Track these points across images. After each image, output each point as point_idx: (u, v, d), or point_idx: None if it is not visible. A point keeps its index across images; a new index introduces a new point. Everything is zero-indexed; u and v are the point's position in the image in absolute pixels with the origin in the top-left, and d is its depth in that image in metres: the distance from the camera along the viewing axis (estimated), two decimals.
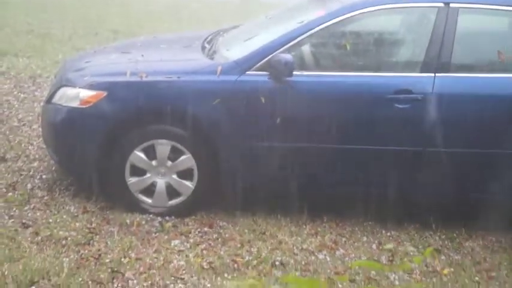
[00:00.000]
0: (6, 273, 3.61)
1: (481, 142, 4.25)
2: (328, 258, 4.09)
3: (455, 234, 4.51)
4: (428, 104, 4.20)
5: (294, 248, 4.18)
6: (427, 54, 4.29)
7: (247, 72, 4.28)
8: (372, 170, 4.40)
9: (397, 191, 4.42)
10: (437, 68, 4.26)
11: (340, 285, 3.76)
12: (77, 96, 4.39)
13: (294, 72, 4.22)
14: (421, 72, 4.30)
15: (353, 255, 4.16)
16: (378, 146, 4.31)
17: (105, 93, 4.31)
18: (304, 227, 4.47)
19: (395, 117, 4.23)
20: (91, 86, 4.38)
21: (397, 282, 3.85)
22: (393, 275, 3.94)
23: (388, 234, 4.47)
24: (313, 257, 4.09)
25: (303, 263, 4.01)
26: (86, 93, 4.36)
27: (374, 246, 4.30)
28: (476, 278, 4.00)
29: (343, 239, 4.36)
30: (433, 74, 4.25)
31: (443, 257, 4.22)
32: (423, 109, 4.21)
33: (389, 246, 4.25)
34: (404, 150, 4.31)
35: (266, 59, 4.27)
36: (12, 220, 4.28)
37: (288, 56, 4.20)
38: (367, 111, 4.27)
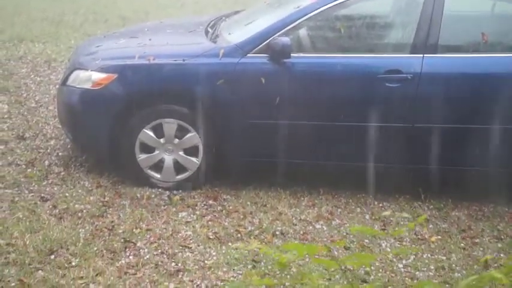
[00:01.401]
0: (28, 243, 3.66)
1: (467, 118, 4.26)
2: (325, 228, 4.12)
3: (442, 205, 4.54)
4: (417, 83, 4.20)
5: (293, 218, 4.21)
6: (416, 36, 4.28)
7: (248, 55, 4.28)
8: (365, 145, 4.40)
9: (388, 165, 4.44)
10: (426, 49, 4.25)
11: (336, 252, 3.80)
12: (89, 78, 4.40)
13: (292, 54, 4.23)
14: (411, 53, 4.30)
15: (348, 224, 4.19)
16: (370, 123, 4.31)
17: (115, 76, 4.32)
18: (302, 199, 4.51)
19: (386, 95, 4.24)
20: (102, 69, 4.39)
21: (388, 249, 3.89)
22: (385, 243, 3.98)
23: (380, 205, 4.50)
24: (310, 227, 4.13)
25: (302, 232, 4.05)
26: (97, 76, 4.37)
27: (367, 216, 4.33)
28: (462, 245, 4.04)
29: (339, 210, 4.40)
30: (421, 55, 4.24)
31: (431, 226, 4.26)
32: (412, 88, 4.21)
33: (387, 213, 4.28)
34: (395, 126, 4.32)
35: (265, 42, 4.27)
36: (32, 194, 4.33)
37: (285, 39, 4.20)
38: (359, 90, 4.27)
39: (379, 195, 4.59)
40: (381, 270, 3.67)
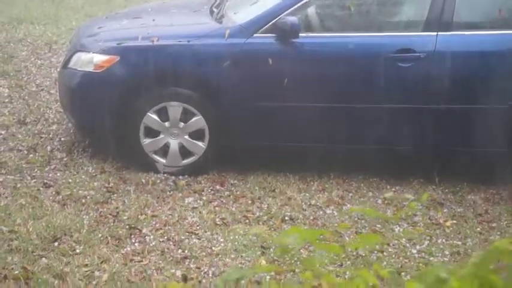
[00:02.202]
0: (31, 229, 3.71)
1: (483, 98, 4.24)
2: (336, 213, 4.14)
3: (457, 188, 4.53)
4: (430, 62, 4.19)
5: (303, 203, 4.23)
6: (429, 14, 4.25)
7: (255, 35, 4.28)
8: (376, 128, 4.41)
9: (400, 147, 4.45)
10: (439, 26, 4.23)
11: (347, 238, 3.82)
12: (91, 61, 4.42)
13: (300, 34, 4.22)
14: (424, 31, 4.28)
15: (359, 208, 4.20)
16: (382, 104, 4.31)
17: (117, 58, 4.34)
18: (312, 183, 4.52)
19: (398, 75, 4.23)
20: (104, 51, 4.40)
21: (402, 235, 3.90)
22: (398, 228, 3.99)
23: (393, 189, 4.50)
24: (321, 212, 4.14)
25: (311, 217, 4.07)
26: (99, 58, 4.39)
27: (379, 201, 4.34)
28: (478, 229, 4.04)
29: (350, 195, 4.41)
30: (435, 33, 4.22)
31: (445, 210, 4.26)
32: (425, 67, 4.20)
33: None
34: (407, 107, 4.31)
35: (272, 21, 4.26)
36: (35, 180, 4.37)
37: (293, 18, 4.19)
38: (370, 71, 4.27)
39: (391, 179, 4.60)
40: (393, 255, 3.69)
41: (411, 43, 4.22)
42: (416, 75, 4.23)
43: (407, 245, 3.82)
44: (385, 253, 3.70)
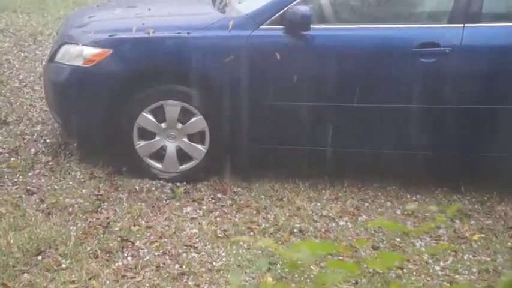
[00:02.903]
0: (11, 242, 3.69)
1: None
2: (350, 225, 4.12)
3: (486, 198, 4.51)
4: (456, 57, 4.17)
5: (313, 214, 4.21)
6: (455, 3, 4.23)
7: (261, 27, 4.26)
8: (396, 130, 4.39)
9: (423, 152, 4.42)
10: (467, 18, 4.20)
11: (363, 253, 3.80)
12: (80, 54, 4.41)
13: (312, 26, 4.20)
14: (449, 23, 4.26)
15: (377, 221, 4.18)
16: (402, 104, 4.29)
17: (110, 51, 4.33)
18: (323, 192, 4.50)
19: (421, 72, 4.20)
20: (95, 43, 4.39)
21: (424, 250, 3.88)
22: (419, 242, 3.97)
23: (414, 198, 4.48)
24: (333, 224, 4.13)
25: (323, 230, 4.05)
26: (89, 51, 4.38)
27: (399, 211, 4.32)
28: (509, 244, 4.01)
29: (366, 204, 4.39)
30: (461, 25, 4.20)
31: (472, 222, 4.23)
32: (451, 63, 4.18)
33: (412, 206, 4.27)
34: (431, 107, 4.29)
35: (281, 11, 4.25)
36: (16, 187, 4.36)
37: (304, 8, 4.17)
38: (389, 67, 4.25)
39: (412, 188, 4.57)
40: (414, 273, 3.67)
41: (435, 36, 4.20)
42: (441, 71, 4.21)
43: (430, 261, 3.79)
44: (405, 270, 3.68)
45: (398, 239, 3.98)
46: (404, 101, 4.30)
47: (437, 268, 3.74)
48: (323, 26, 4.31)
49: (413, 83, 4.26)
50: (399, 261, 3.64)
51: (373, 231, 4.05)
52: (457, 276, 3.68)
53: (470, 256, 3.87)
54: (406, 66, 4.23)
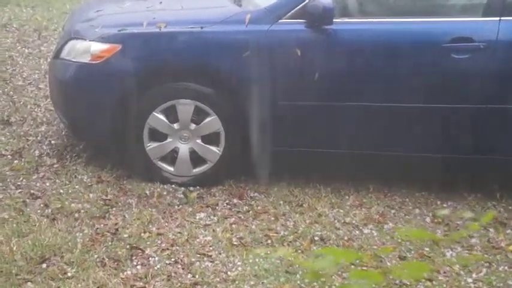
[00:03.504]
0: (14, 249, 3.75)
1: None
2: (375, 233, 4.13)
3: None
4: (491, 53, 4.16)
5: (336, 221, 4.23)
6: None
7: (280, 21, 4.29)
8: (425, 131, 4.39)
9: (453, 155, 4.42)
10: (504, 10, 4.20)
11: (389, 263, 3.81)
12: (87, 50, 4.46)
13: (334, 20, 4.22)
14: (484, 16, 4.26)
15: (403, 229, 4.18)
16: (432, 104, 4.30)
17: (119, 47, 4.37)
18: (347, 197, 4.52)
19: (453, 69, 4.21)
20: (103, 39, 4.44)
21: (455, 261, 3.88)
22: (450, 252, 3.97)
23: (444, 205, 4.48)
24: (357, 232, 4.14)
25: (346, 238, 4.06)
26: (97, 47, 4.43)
27: (428, 219, 4.33)
28: None
29: (392, 211, 4.40)
30: (498, 18, 4.20)
31: (509, 231, 4.22)
32: (486, 60, 4.17)
33: (444, 212, 4.26)
34: (463, 107, 4.29)
35: (302, 4, 4.27)
36: (20, 190, 4.42)
37: (327, 1, 4.18)
38: (418, 64, 4.24)
39: (442, 194, 4.58)
40: (444, 285, 3.67)
41: (468, 30, 4.20)
42: (475, 69, 4.21)
43: (462, 272, 3.79)
44: (434, 282, 3.68)
45: (427, 249, 3.98)
46: (435, 100, 4.30)
47: (470, 280, 3.74)
48: (346, 19, 4.32)
49: (445, 81, 4.26)
50: (428, 272, 3.65)
51: (400, 240, 4.06)
52: None
53: (506, 268, 3.86)
54: (437, 63, 4.22)
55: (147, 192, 4.46)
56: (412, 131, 4.41)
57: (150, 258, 3.78)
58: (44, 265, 3.66)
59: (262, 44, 4.27)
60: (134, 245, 3.89)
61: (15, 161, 4.79)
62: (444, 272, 3.78)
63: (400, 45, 4.29)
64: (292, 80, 4.32)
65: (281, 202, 4.42)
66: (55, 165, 4.75)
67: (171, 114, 4.46)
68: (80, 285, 3.51)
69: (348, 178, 4.64)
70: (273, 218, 4.23)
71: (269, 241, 3.99)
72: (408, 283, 3.61)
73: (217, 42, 4.34)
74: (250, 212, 4.31)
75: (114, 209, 4.26)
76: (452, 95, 4.27)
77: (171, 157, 4.56)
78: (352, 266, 3.62)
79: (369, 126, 4.41)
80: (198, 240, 3.97)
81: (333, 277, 3.57)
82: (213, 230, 4.07)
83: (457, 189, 4.62)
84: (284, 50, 4.27)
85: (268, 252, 3.82)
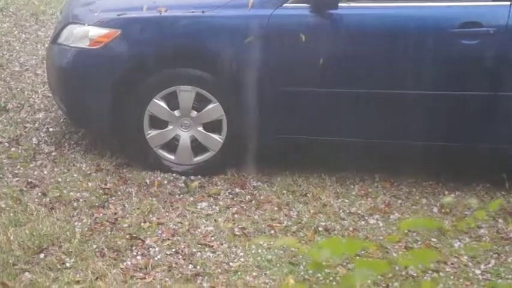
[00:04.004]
0: (11, 238, 3.76)
1: None
2: (381, 224, 4.13)
3: None
4: (502, 39, 4.15)
5: (341, 211, 4.24)
6: None
7: (284, 5, 4.28)
8: (433, 119, 4.39)
9: (462, 144, 4.42)
10: None
11: (395, 254, 3.82)
12: (85, 35, 4.46)
13: (340, 4, 4.22)
14: (494, 0, 4.24)
15: (410, 219, 4.19)
16: (440, 91, 4.29)
17: (118, 32, 4.37)
18: (352, 187, 4.52)
19: (461, 55, 4.20)
20: (102, 23, 4.44)
21: (462, 252, 3.88)
22: (457, 243, 3.97)
23: (452, 195, 4.48)
24: (362, 222, 4.14)
25: (351, 228, 4.07)
26: (96, 32, 4.43)
27: (435, 209, 4.33)
28: None
29: (399, 201, 4.40)
30: (508, 3, 4.18)
31: None
32: (496, 45, 4.16)
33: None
34: (472, 94, 4.29)
35: None
36: (17, 179, 4.43)
37: None
38: (426, 50, 4.24)
39: (450, 183, 4.57)
40: (452, 277, 3.68)
41: (478, 15, 4.19)
42: (484, 55, 4.20)
43: (470, 263, 3.80)
44: (441, 273, 3.69)
45: (434, 239, 3.99)
46: (443, 87, 4.29)
47: (478, 272, 3.74)
48: (352, 4, 4.31)
49: (453, 68, 4.25)
50: (435, 262, 3.66)
51: (406, 231, 4.06)
52: (499, 280, 3.68)
53: None
54: (445, 49, 4.22)
55: (147, 181, 4.47)
56: (419, 119, 4.41)
57: (150, 249, 3.79)
58: (42, 255, 3.68)
59: (265, 29, 4.27)
60: (134, 235, 3.90)
61: (12, 149, 4.80)
62: (452, 263, 3.78)
63: (407, 30, 4.29)
64: (296, 66, 4.32)
65: (284, 192, 4.42)
66: (53, 153, 4.76)
67: (172, 101, 4.46)
68: (78, 275, 3.53)
69: (353, 167, 4.64)
70: (276, 208, 4.24)
71: (272, 231, 4.00)
72: (415, 274, 3.62)
73: (219, 26, 4.34)
74: (253, 201, 4.31)
75: (113, 198, 4.28)
76: (461, 82, 4.27)
77: (172, 145, 4.57)
78: (358, 257, 3.63)
79: (375, 113, 4.41)
80: (199, 230, 3.98)
81: (337, 268, 3.58)
82: (215, 220, 4.08)
83: (465, 178, 4.61)
84: (288, 35, 4.27)
85: (271, 242, 3.83)
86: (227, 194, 4.39)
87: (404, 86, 4.31)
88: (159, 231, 3.95)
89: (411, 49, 4.28)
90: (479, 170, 4.65)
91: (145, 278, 3.56)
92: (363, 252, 3.70)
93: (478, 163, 4.64)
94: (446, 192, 4.51)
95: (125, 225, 3.99)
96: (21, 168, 4.57)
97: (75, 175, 4.49)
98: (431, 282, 3.58)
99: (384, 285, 3.56)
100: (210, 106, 4.45)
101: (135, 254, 3.75)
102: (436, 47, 4.25)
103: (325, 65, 4.23)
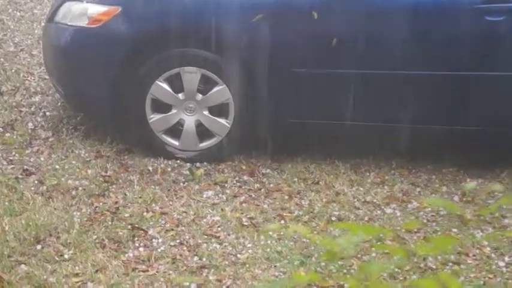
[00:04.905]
0: (6, 229, 3.78)
1: None
2: (398, 213, 4.13)
3: None
4: None
5: (355, 200, 4.23)
6: None
7: None
8: (455, 102, 4.37)
9: (486, 128, 4.40)
10: None
11: (413, 246, 3.81)
12: (84, 13, 4.46)
13: None
14: None
15: (429, 209, 4.18)
16: (463, 71, 4.28)
17: (118, 9, 4.37)
18: (367, 174, 4.52)
19: (486, 33, 4.18)
20: (101, 0, 4.45)
21: (485, 242, 3.87)
22: (480, 233, 3.96)
23: (475, 182, 4.47)
24: (378, 212, 4.14)
25: (366, 218, 4.07)
26: (95, 9, 4.43)
27: (456, 197, 4.32)
28: None
29: (417, 189, 4.39)
30: None
31: None
32: None
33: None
34: (498, 75, 4.27)
35: None
36: (12, 166, 4.45)
37: None
38: (447, 27, 4.23)
39: (472, 170, 4.56)
40: (474, 269, 3.67)
41: None
42: (509, 32, 4.17)
43: (493, 255, 3.79)
44: (462, 266, 3.68)
45: (455, 230, 3.98)
46: (465, 67, 4.27)
47: (502, 264, 3.73)
48: None
49: (477, 46, 4.23)
50: (455, 253, 3.66)
51: (425, 220, 4.06)
52: None
53: None
54: (468, 26, 4.19)
55: (150, 168, 4.48)
56: (439, 102, 4.40)
57: (153, 240, 3.80)
58: (39, 246, 3.69)
59: (275, 6, 4.26)
60: (136, 225, 3.91)
61: (7, 134, 4.81)
62: (473, 255, 3.77)
63: (428, 6, 4.27)
64: (308, 46, 4.30)
65: (295, 179, 4.42)
66: (50, 139, 4.77)
67: (176, 83, 4.46)
68: (77, 267, 3.54)
69: (368, 153, 4.64)
70: (286, 197, 4.24)
71: (282, 221, 4.00)
72: (434, 267, 3.62)
73: (226, 3, 4.33)
74: (262, 190, 4.32)
75: (114, 186, 4.29)
76: (485, 61, 4.25)
77: (176, 130, 4.57)
78: (373, 249, 3.63)
79: (392, 96, 4.40)
80: (205, 220, 3.99)
81: (352, 260, 3.58)
82: (222, 210, 4.08)
83: (489, 164, 4.60)
84: (299, 12, 4.26)
85: (282, 233, 3.83)
86: (234, 182, 4.39)
87: (423, 67, 4.30)
88: (163, 221, 3.96)
89: (431, 27, 4.27)
90: (504, 155, 4.63)
91: (148, 270, 3.57)
92: (378, 243, 3.69)
93: (503, 148, 4.62)
94: (468, 180, 4.50)
95: (127, 215, 4.00)
96: (17, 154, 4.58)
97: (73, 162, 4.50)
98: (451, 275, 3.59)
99: (401, 278, 3.55)
100: (216, 88, 4.45)
101: (137, 245, 3.76)
102: (458, 24, 4.23)
103: (338, 44, 4.21)
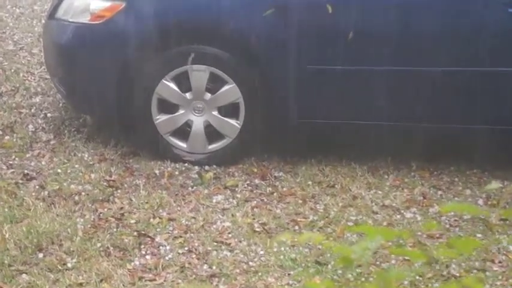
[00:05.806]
0: (7, 236, 3.79)
1: None
2: (419, 218, 4.12)
3: None
4: None
5: (373, 204, 4.23)
6: None
7: None
8: (479, 99, 4.37)
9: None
10: None
11: (435, 252, 3.81)
12: (86, 8, 4.48)
13: None
14: None
15: (452, 213, 4.17)
16: (487, 67, 4.27)
17: (122, 4, 4.38)
18: (386, 177, 4.51)
19: (508, 25, 4.17)
20: None
21: (511, 248, 3.87)
22: (506, 238, 3.95)
23: (501, 185, 4.45)
24: (398, 216, 4.14)
25: (385, 223, 4.06)
26: (98, 5, 4.44)
27: (481, 201, 4.31)
28: None
29: (439, 193, 4.38)
30: None
31: None
32: None
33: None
34: None
35: None
36: (12, 170, 4.46)
37: None
38: (468, 20, 4.22)
39: (497, 172, 4.55)
40: (500, 277, 3.67)
41: None
42: None
43: None
44: (488, 273, 3.68)
45: (479, 235, 3.98)
46: (489, 63, 4.26)
47: None
48: None
49: (499, 40, 4.22)
50: (480, 260, 3.65)
51: (448, 225, 4.06)
52: None
53: None
54: (489, 19, 4.19)
55: (157, 172, 4.49)
56: (463, 99, 4.39)
57: (161, 247, 3.81)
58: (41, 255, 3.71)
59: (287, 0, 4.25)
60: (142, 232, 3.92)
61: (7, 137, 4.83)
62: (499, 262, 3.77)
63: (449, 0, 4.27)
64: (322, 41, 4.31)
65: (310, 183, 4.42)
66: (51, 142, 4.79)
67: (183, 82, 4.47)
68: (81, 277, 3.56)
69: (387, 155, 4.63)
70: (300, 201, 4.24)
71: (296, 227, 4.01)
72: (457, 274, 3.61)
73: None
74: (275, 194, 4.32)
75: (119, 191, 4.30)
76: (508, 57, 4.23)
77: (184, 132, 4.58)
78: (392, 256, 3.63)
79: (411, 94, 4.40)
80: (215, 226, 3.99)
81: (370, 268, 3.58)
82: (232, 215, 4.09)
83: None
84: (313, 6, 4.26)
85: (296, 239, 3.82)
86: (245, 185, 4.39)
87: (444, 63, 4.29)
88: (170, 228, 3.97)
89: (452, 21, 4.26)
90: None
91: (155, 279, 3.58)
92: (398, 249, 3.69)
93: None
94: (493, 182, 4.48)
95: (132, 221, 4.01)
96: (17, 158, 4.60)
97: (76, 166, 4.51)
98: (476, 281, 3.58)
99: (422, 286, 3.55)
100: (226, 88, 4.45)
101: (143, 253, 3.77)
102: (477, 17, 4.23)
103: (354, 39, 4.21)
